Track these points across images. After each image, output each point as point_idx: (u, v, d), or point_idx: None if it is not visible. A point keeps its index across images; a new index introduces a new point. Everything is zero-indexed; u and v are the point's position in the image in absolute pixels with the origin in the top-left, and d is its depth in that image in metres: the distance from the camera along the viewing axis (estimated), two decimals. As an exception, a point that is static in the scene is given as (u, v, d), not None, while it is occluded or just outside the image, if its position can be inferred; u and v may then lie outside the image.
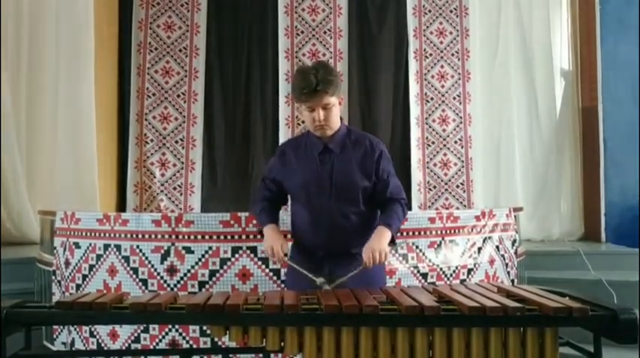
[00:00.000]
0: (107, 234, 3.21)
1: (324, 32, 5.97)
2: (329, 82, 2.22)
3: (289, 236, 2.47)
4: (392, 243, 2.26)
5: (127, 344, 3.09)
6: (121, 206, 5.68)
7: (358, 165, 2.32)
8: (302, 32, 5.96)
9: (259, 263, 3.04)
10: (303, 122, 5.83)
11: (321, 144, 2.33)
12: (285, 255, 2.28)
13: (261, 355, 2.83)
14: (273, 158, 2.48)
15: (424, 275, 3.20)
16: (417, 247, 3.22)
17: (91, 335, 3.18)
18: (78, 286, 3.27)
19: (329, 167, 2.31)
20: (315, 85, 2.19)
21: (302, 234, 2.38)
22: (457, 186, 5.93)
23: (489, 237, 3.50)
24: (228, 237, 3.07)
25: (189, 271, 3.06)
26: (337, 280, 2.18)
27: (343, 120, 2.44)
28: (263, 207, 2.41)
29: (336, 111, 2.30)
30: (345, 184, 2.30)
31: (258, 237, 2.50)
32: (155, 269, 3.08)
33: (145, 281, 3.09)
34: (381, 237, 2.23)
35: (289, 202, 2.50)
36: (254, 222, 2.99)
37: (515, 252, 3.76)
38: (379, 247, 2.19)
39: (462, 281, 3.28)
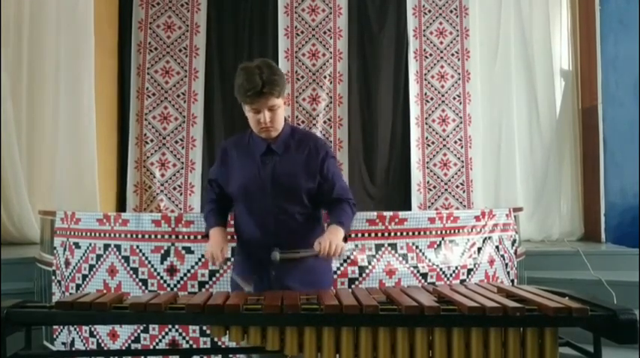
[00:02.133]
0: (107, 234, 3.21)
1: (324, 32, 5.98)
2: (275, 82, 2.13)
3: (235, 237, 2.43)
4: (344, 241, 2.22)
5: (126, 344, 3.09)
6: (121, 206, 5.69)
7: (302, 167, 2.26)
8: (302, 32, 5.97)
9: (259, 263, 3.04)
10: (302, 122, 5.84)
11: (264, 145, 2.27)
12: (228, 259, 2.21)
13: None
14: (217, 157, 2.41)
15: (424, 276, 3.20)
16: (416, 247, 3.22)
17: (91, 335, 3.18)
18: (78, 286, 3.27)
19: (270, 168, 2.24)
20: (261, 87, 2.10)
21: (247, 236, 2.30)
22: (457, 186, 5.94)
23: (489, 237, 3.50)
24: (228, 237, 3.06)
25: (189, 271, 3.07)
26: (289, 255, 2.13)
27: (287, 120, 2.38)
28: (211, 209, 2.35)
29: (281, 113, 2.23)
30: (287, 186, 2.23)
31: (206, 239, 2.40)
32: (155, 270, 3.08)
33: (144, 282, 3.09)
34: (338, 233, 2.17)
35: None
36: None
37: (515, 252, 3.77)
38: (336, 240, 2.12)
39: (462, 282, 3.28)
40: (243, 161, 2.29)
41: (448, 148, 5.97)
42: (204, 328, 2.97)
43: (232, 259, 2.45)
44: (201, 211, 5.52)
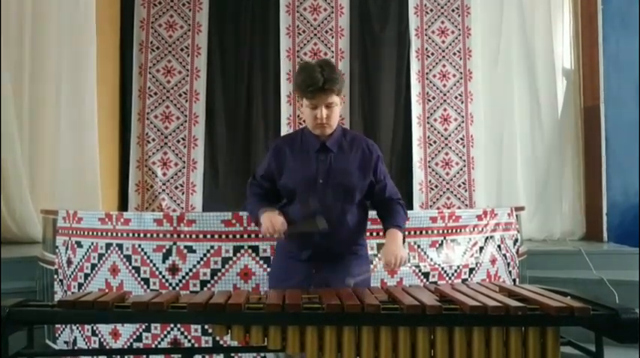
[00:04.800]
0: (109, 233, 3.21)
1: (326, 31, 5.98)
2: (335, 80, 2.23)
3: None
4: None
5: (128, 343, 3.09)
6: (123, 205, 5.69)
7: (358, 166, 2.34)
8: (303, 31, 5.96)
9: (261, 262, 3.05)
10: (304, 121, 5.84)
11: (319, 143, 2.34)
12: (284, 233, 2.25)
13: (263, 354, 2.84)
14: (267, 155, 2.45)
15: (426, 275, 3.20)
16: (418, 246, 3.22)
17: (93, 334, 3.19)
18: (80, 285, 3.27)
19: (327, 165, 2.31)
20: (323, 83, 2.20)
21: None
22: (459, 186, 5.94)
23: (491, 237, 3.50)
24: (230, 236, 3.07)
25: (190, 270, 3.07)
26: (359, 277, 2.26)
27: (341, 119, 2.45)
28: (257, 201, 2.37)
29: (337, 111, 2.31)
30: (344, 183, 2.31)
31: (258, 229, 2.41)
32: (157, 269, 3.09)
33: (146, 281, 3.10)
34: (398, 240, 2.27)
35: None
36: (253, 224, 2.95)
37: (517, 252, 3.76)
38: (400, 253, 2.23)
39: (464, 281, 3.28)
40: (298, 157, 2.35)
41: (450, 147, 5.96)
42: (206, 327, 2.98)
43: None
44: (204, 210, 5.57)
